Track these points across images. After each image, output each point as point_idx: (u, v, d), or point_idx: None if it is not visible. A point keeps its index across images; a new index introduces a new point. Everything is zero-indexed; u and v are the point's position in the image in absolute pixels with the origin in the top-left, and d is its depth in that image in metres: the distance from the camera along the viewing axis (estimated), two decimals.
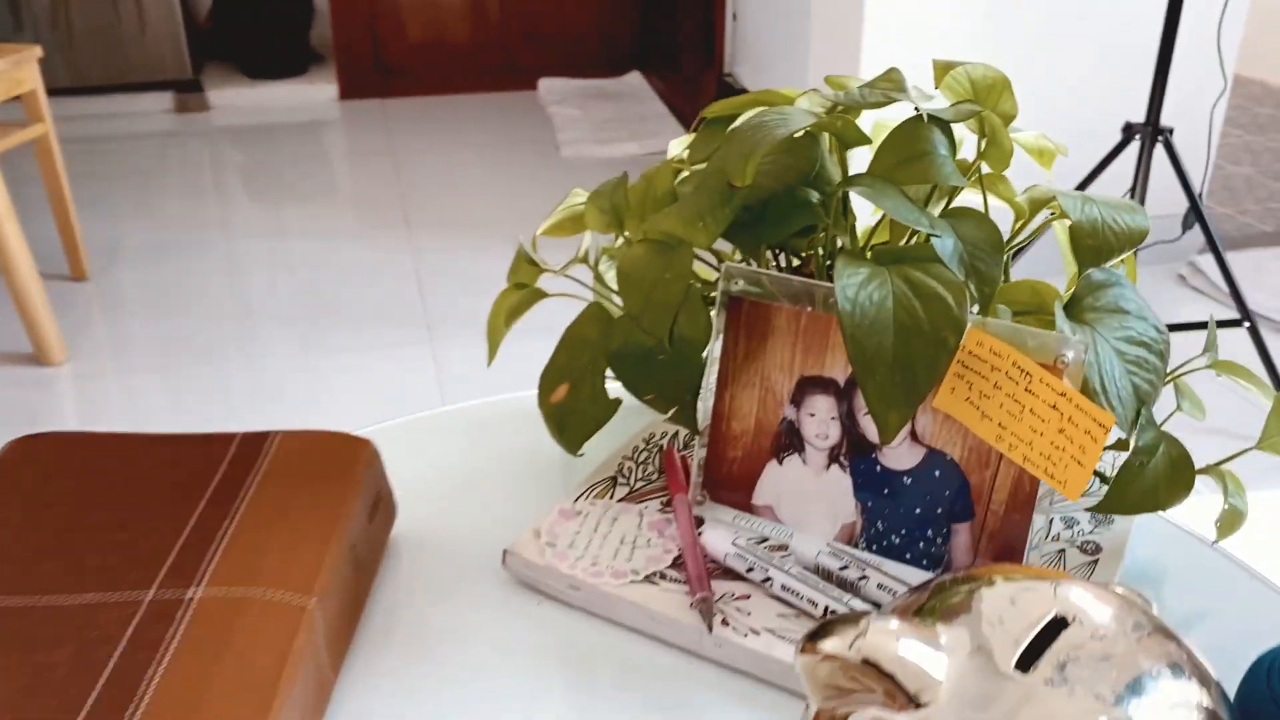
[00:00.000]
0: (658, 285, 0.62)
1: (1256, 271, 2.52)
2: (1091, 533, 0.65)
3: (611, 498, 0.68)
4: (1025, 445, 0.55)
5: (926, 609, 0.42)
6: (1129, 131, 2.10)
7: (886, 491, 0.61)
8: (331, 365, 2.26)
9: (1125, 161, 2.45)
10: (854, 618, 0.39)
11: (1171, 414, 0.65)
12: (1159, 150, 2.26)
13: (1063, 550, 0.64)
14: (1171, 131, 2.05)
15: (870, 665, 0.38)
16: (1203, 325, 1.99)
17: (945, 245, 0.57)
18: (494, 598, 0.61)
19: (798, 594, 0.58)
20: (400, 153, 3.54)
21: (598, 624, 0.60)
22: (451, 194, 3.15)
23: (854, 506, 0.62)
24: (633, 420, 0.77)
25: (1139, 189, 2.11)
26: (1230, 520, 0.61)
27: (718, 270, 0.68)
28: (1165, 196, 2.49)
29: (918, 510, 0.60)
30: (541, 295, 0.70)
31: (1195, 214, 2.05)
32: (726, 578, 0.61)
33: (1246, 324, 2.01)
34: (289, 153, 3.58)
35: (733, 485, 0.65)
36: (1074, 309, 0.60)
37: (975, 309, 0.58)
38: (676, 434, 0.74)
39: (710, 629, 0.56)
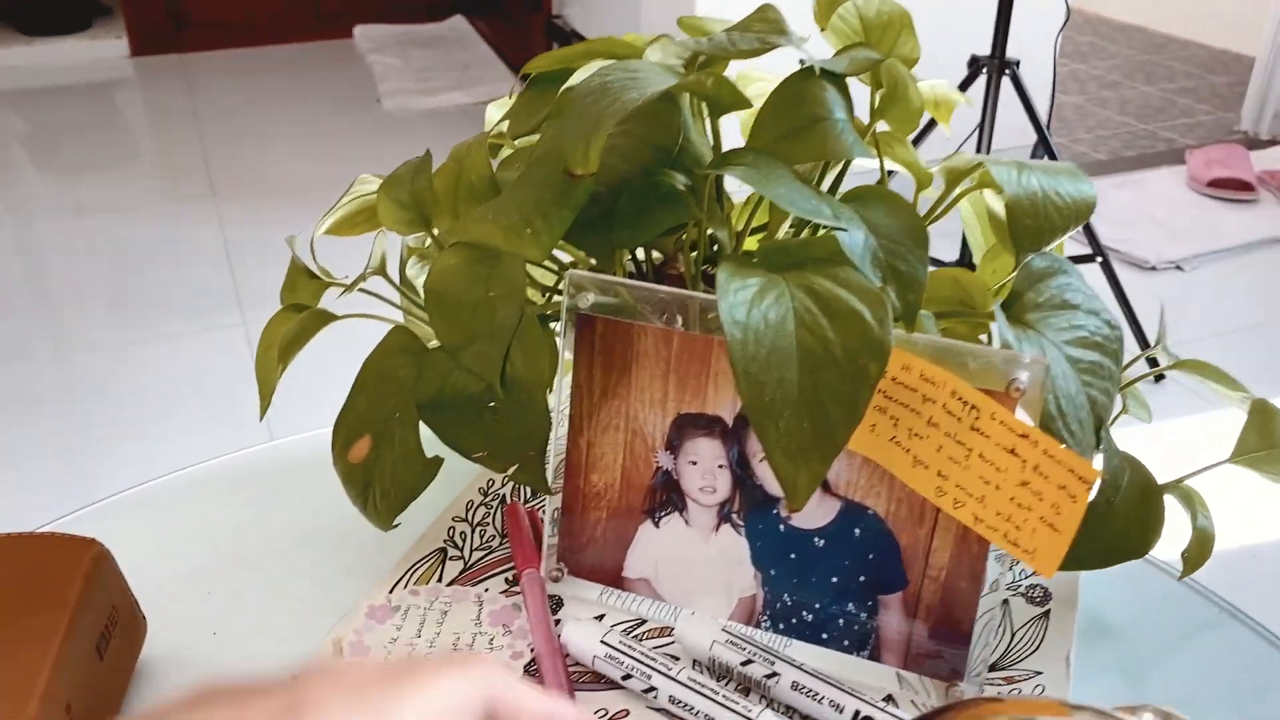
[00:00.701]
0: (480, 309, 0.46)
1: (1102, 204, 2.52)
2: (1034, 573, 0.53)
3: (440, 579, 0.53)
4: (975, 501, 0.42)
5: None
6: (975, 65, 2.02)
7: (793, 556, 0.48)
8: (144, 355, 2.01)
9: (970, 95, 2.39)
10: None
11: (1113, 421, 0.54)
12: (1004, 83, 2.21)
13: (1005, 601, 0.52)
14: (1018, 64, 1.99)
15: None
16: (1085, 259, 1.94)
17: (854, 241, 0.43)
18: None
19: (691, 709, 0.44)
20: (204, 114, 3.21)
21: None
22: (262, 157, 2.87)
23: (753, 576, 0.49)
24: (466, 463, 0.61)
25: (988, 124, 2.04)
26: (1200, 546, 0.50)
27: (559, 275, 0.53)
28: (1009, 131, 2.45)
29: (834, 579, 0.47)
30: (328, 319, 0.53)
31: (1044, 147, 2.00)
32: (598, 684, 0.47)
33: (1099, 259, 1.98)
34: (78, 118, 3.20)
35: (597, 554, 0.51)
36: (1012, 309, 0.47)
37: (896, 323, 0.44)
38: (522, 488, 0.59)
39: None
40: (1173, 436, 1.73)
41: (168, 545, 0.57)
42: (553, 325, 0.50)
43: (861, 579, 0.47)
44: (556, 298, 0.53)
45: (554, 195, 0.42)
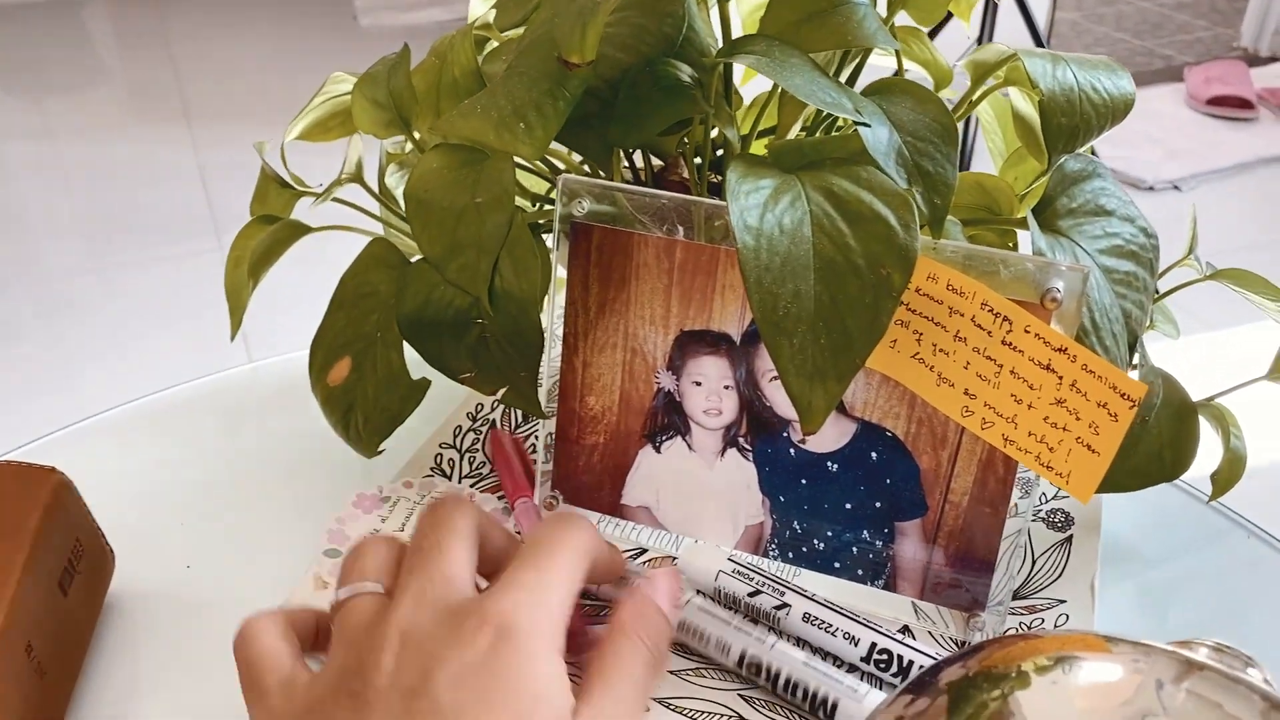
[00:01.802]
0: (466, 217, 0.42)
1: None
2: (1056, 495, 0.51)
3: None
4: (1005, 422, 0.39)
5: None
6: None
7: (805, 482, 0.45)
8: (119, 280, 1.96)
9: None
10: None
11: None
12: None
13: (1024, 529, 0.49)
14: None
15: None
16: None
17: (878, 138, 0.39)
18: None
19: (702, 635, 0.41)
20: (174, 32, 3.10)
21: None
22: (236, 78, 2.78)
23: (760, 503, 0.46)
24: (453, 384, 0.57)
25: (986, 39, 1.99)
26: (1231, 468, 0.47)
27: (551, 183, 0.49)
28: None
29: (848, 505, 0.44)
30: (302, 231, 0.49)
31: None
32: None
33: None
34: (45, 38, 3.10)
35: (594, 481, 0.48)
36: (1044, 215, 0.44)
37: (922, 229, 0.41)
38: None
39: None
40: (1197, 353, 1.71)
41: (138, 474, 0.53)
42: (545, 237, 0.47)
43: (878, 505, 0.44)
44: (549, 207, 0.49)
45: (548, 86, 0.38)
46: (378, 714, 0.29)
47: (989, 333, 0.39)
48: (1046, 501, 0.50)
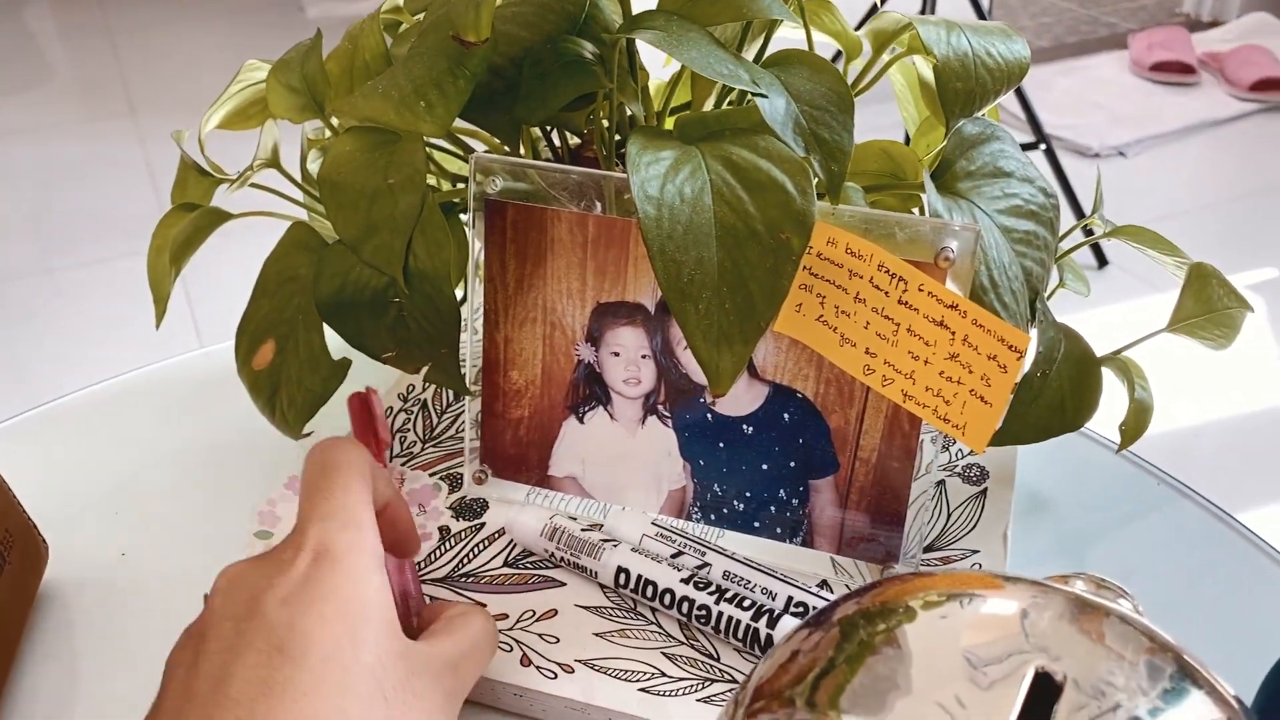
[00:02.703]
0: (379, 198, 0.43)
1: (1045, 91, 2.49)
2: (972, 453, 0.52)
3: None
4: (904, 378, 0.40)
5: (828, 685, 0.27)
6: None
7: (722, 445, 0.46)
8: (69, 280, 1.94)
9: None
10: None
11: (1051, 294, 0.52)
12: None
13: (941, 482, 0.51)
14: None
15: None
16: (1029, 146, 1.92)
17: (775, 108, 0.40)
18: None
19: (639, 580, 0.43)
20: (117, 27, 3.06)
21: None
22: (181, 72, 2.75)
23: (682, 468, 0.47)
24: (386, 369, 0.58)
25: (928, 9, 2.00)
26: (1137, 418, 0.49)
27: (465, 161, 0.50)
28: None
29: (764, 466, 0.46)
30: (222, 217, 0.50)
31: None
32: (525, 585, 0.45)
33: (1043, 146, 1.97)
34: None
35: (521, 454, 0.49)
36: (943, 178, 0.45)
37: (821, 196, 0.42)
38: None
39: None
40: (1116, 319, 1.74)
41: (71, 466, 0.54)
42: (464, 216, 0.47)
43: (792, 464, 0.45)
44: (464, 185, 0.49)
45: (448, 65, 0.38)
46: (212, 642, 0.31)
47: (886, 293, 0.40)
48: (963, 457, 0.52)
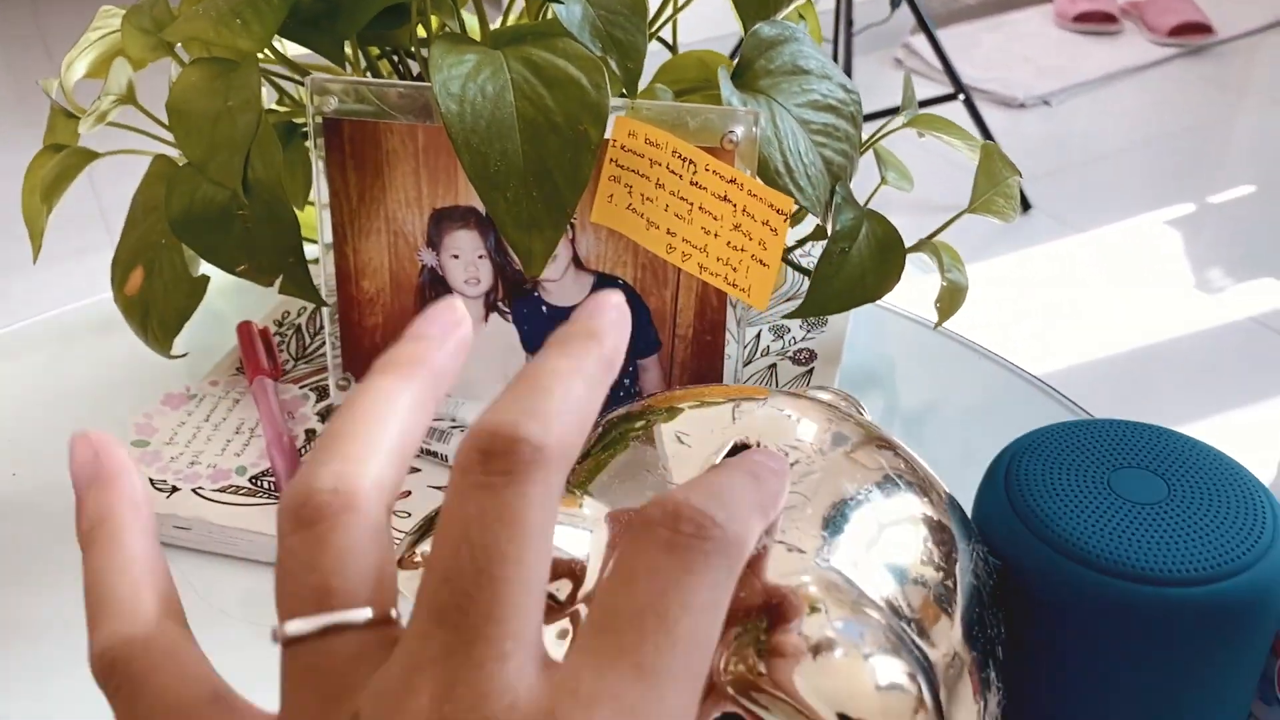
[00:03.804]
0: (221, 121, 0.46)
1: (970, 46, 2.54)
2: (805, 339, 0.57)
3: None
4: (699, 252, 0.44)
5: (576, 471, 0.31)
6: None
7: None
8: (23, 288, 1.96)
9: None
10: None
11: (876, 189, 0.56)
12: None
13: (773, 365, 0.55)
14: None
15: None
16: (948, 98, 1.97)
17: (572, 13, 0.44)
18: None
19: None
20: (53, 36, 3.06)
21: (222, 565, 0.47)
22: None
23: (524, 359, 0.51)
24: (268, 295, 0.62)
25: None
26: (951, 297, 0.54)
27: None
28: None
29: None
30: (89, 157, 0.53)
31: None
32: None
33: (961, 97, 2.02)
34: None
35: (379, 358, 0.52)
36: (744, 77, 0.49)
37: (623, 94, 0.46)
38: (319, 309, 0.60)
39: None
40: (1039, 258, 1.79)
41: None
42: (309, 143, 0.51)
43: None
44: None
45: None
46: None
47: (680, 176, 0.44)
48: (796, 343, 0.56)
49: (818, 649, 0.22)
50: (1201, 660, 0.31)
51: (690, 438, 0.30)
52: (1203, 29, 2.53)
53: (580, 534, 0.27)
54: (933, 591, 0.27)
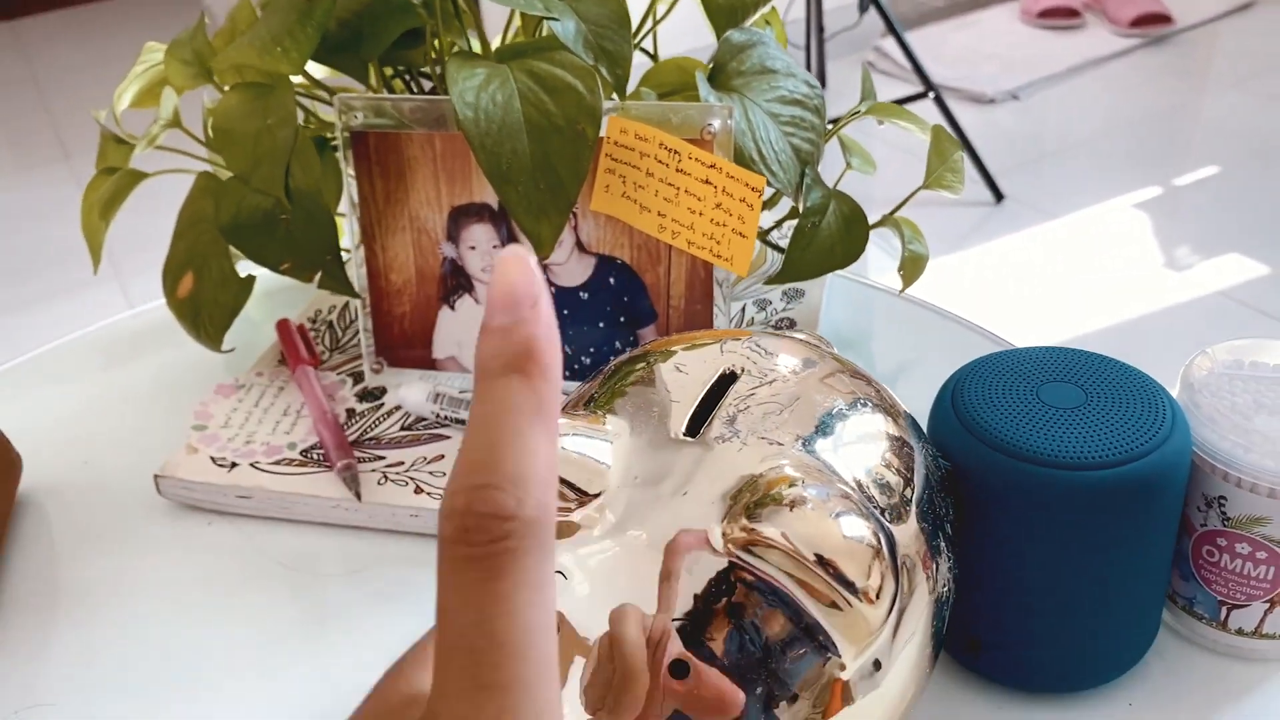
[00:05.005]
0: (261, 137, 0.53)
1: (939, 46, 2.63)
2: (785, 310, 0.63)
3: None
4: (687, 230, 0.51)
5: (596, 398, 0.37)
6: None
7: (566, 312, 0.56)
8: (27, 323, 2.02)
9: None
10: None
11: (843, 173, 0.63)
12: None
13: None
14: None
15: None
16: (918, 96, 2.05)
17: (566, 29, 0.51)
18: (156, 534, 0.53)
19: None
20: (44, 78, 3.13)
21: (279, 527, 0.53)
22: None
23: None
24: (297, 297, 0.68)
25: None
26: (912, 265, 0.60)
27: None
28: None
29: (601, 324, 0.56)
30: (140, 177, 0.59)
31: None
32: (417, 443, 0.55)
33: (932, 95, 2.09)
34: None
35: (409, 344, 0.59)
36: (719, 78, 0.56)
37: (614, 97, 0.52)
38: (347, 305, 0.67)
39: (359, 498, 0.51)
40: (1014, 245, 1.86)
41: (39, 401, 0.63)
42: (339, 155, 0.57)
43: (622, 320, 0.56)
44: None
45: (297, 16, 0.49)
46: None
47: (667, 165, 0.51)
48: (777, 314, 0.63)
49: (793, 504, 0.29)
50: (1119, 535, 0.37)
51: (687, 367, 0.37)
52: (1162, 19, 2.62)
53: (603, 444, 0.34)
54: (892, 478, 0.34)
